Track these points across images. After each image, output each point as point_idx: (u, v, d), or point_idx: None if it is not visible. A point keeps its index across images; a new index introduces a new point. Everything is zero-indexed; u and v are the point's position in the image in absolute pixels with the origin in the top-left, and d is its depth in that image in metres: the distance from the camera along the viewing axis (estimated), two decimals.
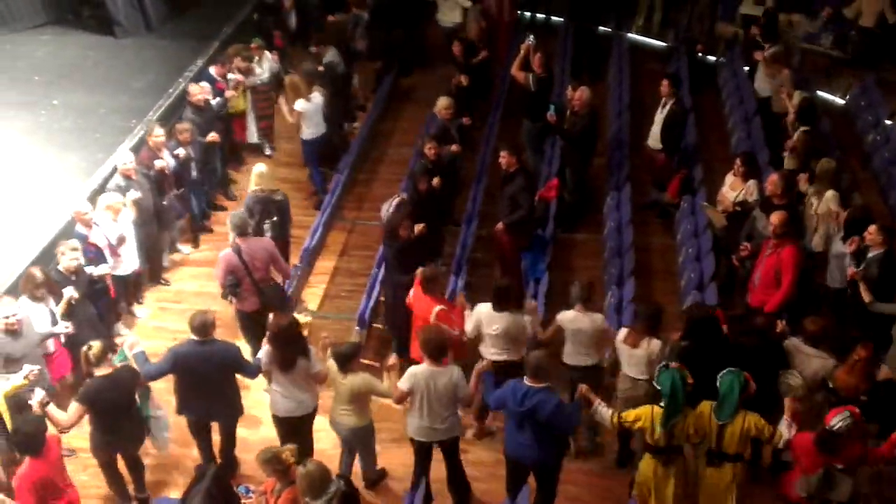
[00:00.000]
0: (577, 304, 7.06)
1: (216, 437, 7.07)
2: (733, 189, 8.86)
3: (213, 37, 12.62)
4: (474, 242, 9.48)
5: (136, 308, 8.90)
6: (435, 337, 6.42)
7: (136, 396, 6.66)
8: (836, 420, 5.76)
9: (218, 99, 10.01)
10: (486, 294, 8.79)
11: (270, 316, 6.79)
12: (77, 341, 7.09)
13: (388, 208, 8.86)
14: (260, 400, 7.57)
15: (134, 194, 8.36)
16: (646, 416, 6.01)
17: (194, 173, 9.45)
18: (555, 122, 9.82)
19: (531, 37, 10.31)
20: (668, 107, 9.90)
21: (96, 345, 6.45)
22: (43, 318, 7.03)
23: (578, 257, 9.82)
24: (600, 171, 10.72)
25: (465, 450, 7.24)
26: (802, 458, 5.95)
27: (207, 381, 6.63)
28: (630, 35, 14.19)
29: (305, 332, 7.32)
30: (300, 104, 10.01)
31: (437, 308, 7.08)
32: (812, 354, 6.61)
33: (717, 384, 5.96)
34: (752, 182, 8.76)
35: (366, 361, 8.02)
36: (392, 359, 6.83)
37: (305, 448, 6.53)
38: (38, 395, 6.22)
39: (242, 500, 6.50)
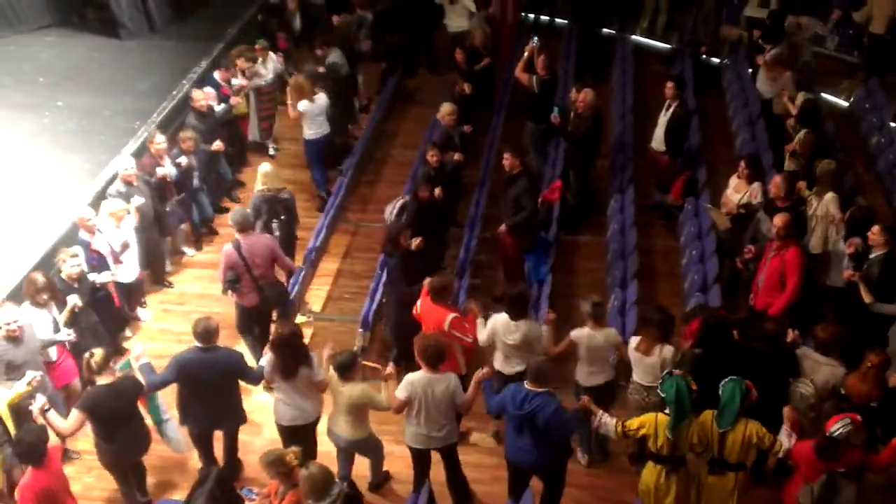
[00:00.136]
0: (589, 321, 6.95)
1: (218, 443, 7.06)
2: (737, 191, 8.84)
3: (218, 38, 12.63)
4: (478, 245, 9.47)
5: (139, 311, 8.90)
6: (432, 344, 6.39)
7: (146, 402, 6.67)
8: (837, 427, 5.73)
9: (222, 105, 10.01)
10: (489, 295, 8.96)
11: (273, 324, 6.78)
12: (80, 349, 7.10)
13: (391, 210, 8.87)
14: (262, 403, 7.58)
15: (138, 200, 8.37)
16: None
17: (196, 181, 9.44)
18: (558, 124, 9.81)
19: (535, 39, 10.30)
20: (671, 109, 9.88)
21: (98, 353, 6.47)
22: (45, 325, 7.01)
23: (581, 259, 9.81)
24: (604, 174, 10.71)
25: (468, 452, 7.25)
26: (803, 467, 5.93)
27: (211, 388, 6.62)
28: (634, 37, 14.18)
29: (307, 335, 7.34)
30: (303, 104, 10.03)
31: (452, 316, 7.02)
32: (822, 362, 6.58)
33: (720, 392, 5.94)
34: (756, 184, 8.75)
35: (369, 364, 8.04)
36: (390, 368, 6.81)
37: (309, 453, 6.53)
38: (39, 402, 6.22)
39: (246, 503, 6.50)
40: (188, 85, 11.23)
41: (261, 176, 8.74)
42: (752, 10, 12.95)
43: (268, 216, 8.63)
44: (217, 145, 9.56)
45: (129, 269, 8.27)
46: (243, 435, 7.14)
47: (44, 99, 11.12)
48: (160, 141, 8.98)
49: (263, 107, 11.11)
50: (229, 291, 7.89)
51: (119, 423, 6.41)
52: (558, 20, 14.60)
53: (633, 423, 6.08)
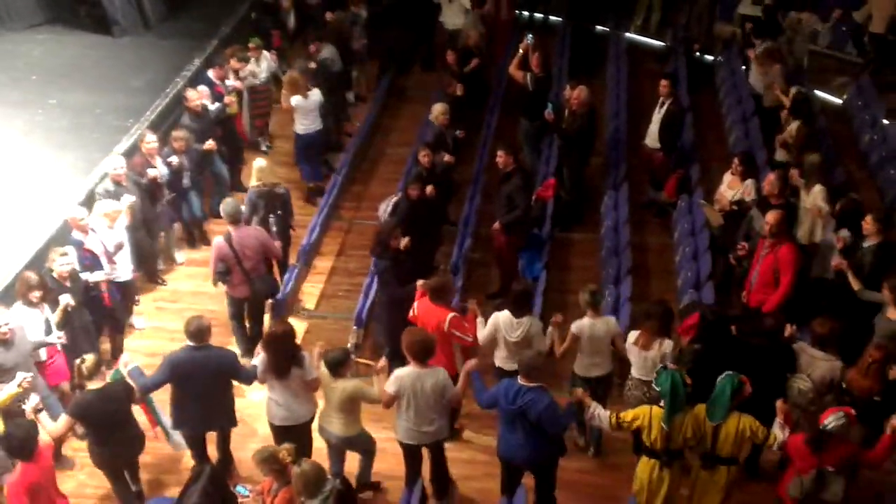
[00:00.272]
0: (588, 310, 6.97)
1: (211, 443, 7.05)
2: (731, 188, 8.86)
3: (212, 36, 12.59)
4: (472, 243, 9.47)
5: (135, 319, 8.79)
6: (420, 339, 6.39)
7: (146, 406, 6.67)
8: (830, 420, 5.76)
9: (217, 104, 9.99)
10: (484, 293, 8.97)
11: (266, 318, 6.76)
12: (73, 349, 7.07)
13: (385, 208, 8.88)
14: (257, 401, 7.56)
15: (129, 198, 8.34)
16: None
17: (187, 181, 9.38)
18: (552, 121, 9.81)
19: (530, 36, 10.30)
20: (665, 106, 9.90)
21: (90, 358, 6.46)
22: (37, 326, 6.97)
23: (575, 256, 9.82)
24: (598, 171, 10.72)
25: (460, 449, 7.27)
26: (796, 459, 5.94)
27: (204, 387, 6.59)
28: (628, 35, 14.19)
29: (301, 333, 7.33)
30: (295, 99, 10.05)
31: (451, 315, 7.02)
32: (819, 357, 6.60)
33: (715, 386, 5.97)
34: (749, 181, 8.77)
35: (362, 361, 8.04)
36: (382, 361, 6.81)
37: (304, 453, 6.51)
38: (33, 401, 6.22)
39: (239, 500, 6.49)
40: (182, 83, 11.20)
41: (255, 171, 8.75)
42: (745, 8, 12.96)
43: (265, 211, 8.63)
44: (209, 144, 9.52)
45: (122, 269, 8.23)
46: (237, 433, 7.12)
47: (36, 96, 11.07)
48: (151, 140, 8.94)
49: (258, 105, 11.09)
50: (220, 283, 7.91)
51: (111, 427, 6.40)
52: (553, 18, 14.62)
53: (628, 415, 6.09)
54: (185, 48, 12.21)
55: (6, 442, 6.00)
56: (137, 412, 6.64)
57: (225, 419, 6.91)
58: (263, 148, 11.37)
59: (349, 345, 8.29)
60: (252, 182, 8.80)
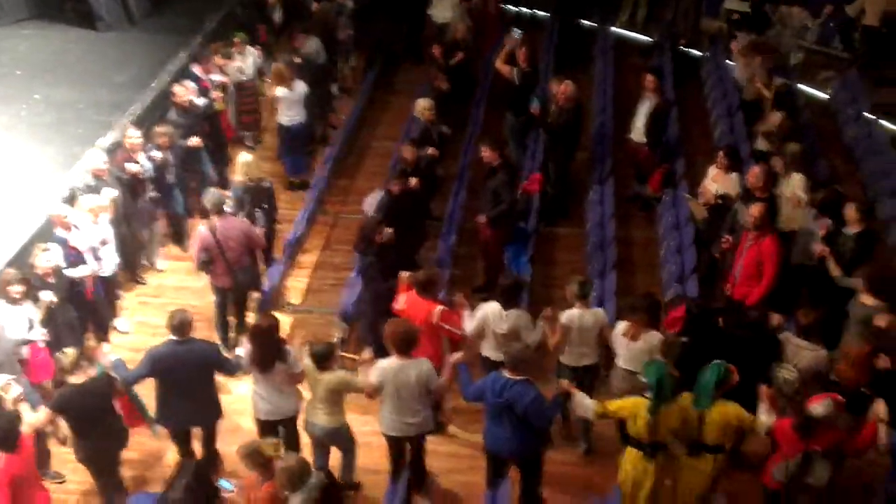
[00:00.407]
0: (577, 302, 6.99)
1: (196, 439, 7.03)
2: (715, 182, 8.88)
3: (197, 31, 12.56)
4: (457, 236, 9.47)
5: (116, 321, 8.68)
6: (402, 330, 6.40)
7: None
8: (818, 406, 5.80)
9: (203, 100, 9.94)
10: (470, 286, 8.97)
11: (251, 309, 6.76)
12: (57, 346, 7.02)
13: (371, 202, 8.86)
14: (242, 395, 7.54)
15: (111, 192, 8.29)
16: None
17: (171, 178, 9.30)
18: (538, 116, 9.80)
19: (516, 31, 10.29)
20: (651, 101, 9.92)
21: (70, 352, 6.42)
22: (19, 324, 6.92)
23: (561, 251, 9.83)
24: (583, 165, 10.72)
25: (445, 443, 7.27)
26: (783, 444, 5.98)
27: (187, 381, 6.58)
28: (614, 30, 14.21)
29: (286, 327, 7.32)
30: (280, 91, 10.06)
31: (440, 308, 7.02)
32: (804, 347, 6.64)
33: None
34: (734, 175, 8.80)
35: (347, 356, 8.03)
36: (367, 353, 6.80)
37: (291, 448, 6.53)
38: (15, 392, 6.18)
39: (223, 495, 6.48)
40: (167, 77, 11.15)
41: (241, 166, 8.74)
42: (732, 3, 13.01)
43: (251, 206, 8.61)
44: (194, 141, 9.45)
45: (107, 263, 8.18)
46: (221, 428, 7.09)
47: (20, 91, 11.02)
48: (133, 136, 8.88)
49: (245, 101, 11.05)
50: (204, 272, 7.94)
51: (93, 421, 6.37)
52: (539, 12, 14.62)
53: (613, 404, 6.11)
54: (170, 43, 12.17)
55: None
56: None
57: (209, 413, 6.89)
58: (249, 143, 11.33)
59: (335, 339, 8.28)
60: (237, 177, 8.78)
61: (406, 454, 6.77)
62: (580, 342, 7.01)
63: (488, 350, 7.16)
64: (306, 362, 6.55)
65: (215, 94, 10.17)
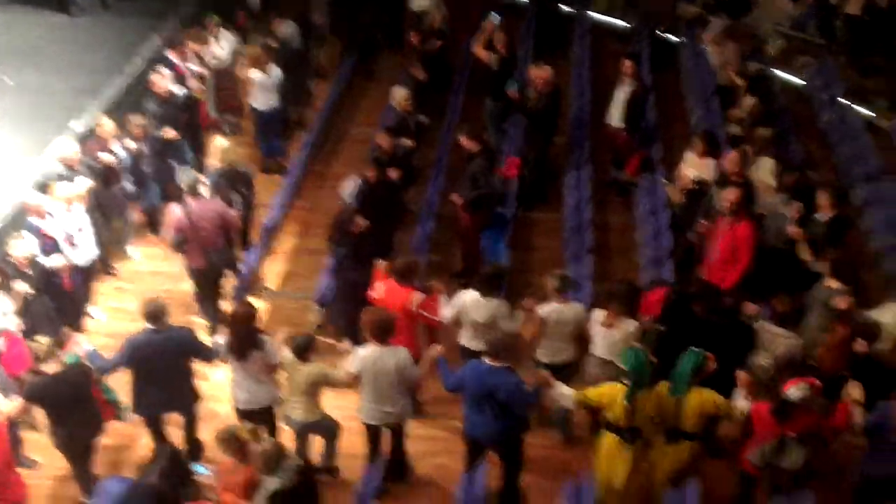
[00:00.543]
0: (555, 296, 6.96)
1: (175, 429, 6.98)
2: (692, 167, 8.92)
3: (171, 15, 12.42)
4: (435, 222, 9.45)
5: (92, 310, 8.58)
6: (379, 318, 6.39)
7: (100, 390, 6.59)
8: (794, 390, 5.85)
9: (183, 89, 9.81)
10: (448, 273, 8.97)
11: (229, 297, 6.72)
12: (33, 336, 6.94)
13: (348, 189, 8.82)
14: (219, 382, 7.50)
15: (85, 181, 8.20)
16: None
17: (147, 169, 9.20)
18: (517, 100, 9.79)
19: (495, 16, 10.27)
20: (629, 86, 9.93)
21: (44, 341, 6.37)
22: None
23: (538, 236, 9.85)
24: (561, 150, 10.73)
25: (421, 426, 7.26)
26: (759, 427, 6.03)
27: (164, 369, 6.54)
28: (592, 15, 14.20)
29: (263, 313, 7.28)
30: (256, 74, 10.04)
31: (418, 296, 7.02)
32: (780, 334, 6.70)
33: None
34: (710, 160, 8.84)
35: (327, 340, 8.01)
36: (346, 344, 6.78)
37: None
38: None
39: (199, 479, 6.46)
40: (141, 62, 11.03)
41: (218, 152, 8.70)
42: None
43: (228, 190, 8.55)
44: (170, 132, 9.27)
45: (83, 252, 8.09)
46: (200, 413, 7.06)
47: None
48: (107, 125, 8.76)
49: (226, 86, 10.94)
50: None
51: (68, 410, 6.33)
52: None
53: (592, 392, 6.13)
54: (144, 27, 12.05)
55: None
56: None
57: (187, 400, 6.85)
58: (225, 129, 11.23)
59: (312, 324, 8.27)
60: (214, 162, 8.74)
61: (382, 441, 6.76)
62: (558, 337, 6.98)
63: (466, 339, 7.14)
64: (286, 354, 6.53)
65: (193, 83, 10.06)
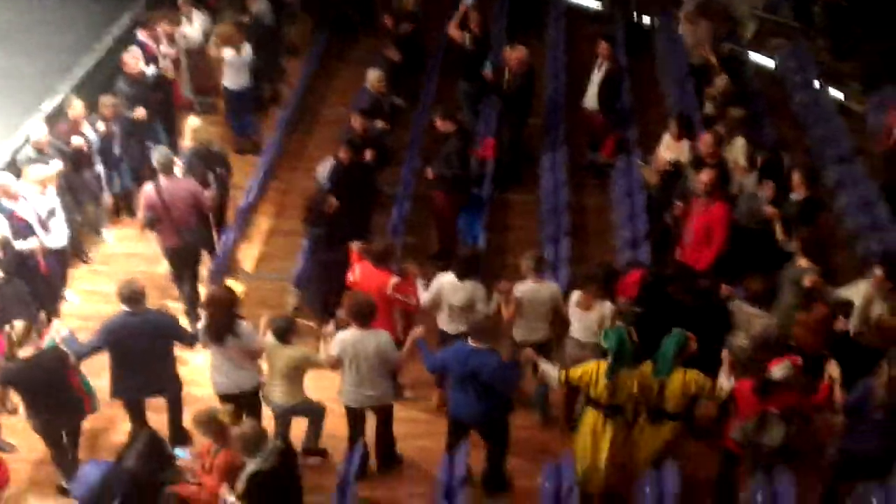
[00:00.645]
0: (531, 275, 7.00)
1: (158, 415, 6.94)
2: (668, 149, 8.98)
3: None
4: (411, 204, 9.43)
5: (65, 292, 8.46)
6: (361, 301, 6.39)
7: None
8: (777, 369, 5.94)
9: (153, 68, 9.67)
10: (424, 254, 8.96)
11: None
12: (7, 320, 6.83)
13: (323, 171, 8.77)
14: (199, 366, 7.43)
15: (58, 164, 8.06)
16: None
17: (118, 151, 9.05)
18: (491, 81, 9.76)
19: None
20: (604, 68, 9.95)
21: (18, 325, 6.29)
22: None
23: (514, 217, 9.87)
24: (536, 132, 10.73)
25: (402, 408, 7.25)
26: (742, 405, 6.12)
27: (142, 353, 6.48)
28: None
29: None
30: (227, 53, 9.96)
31: (394, 279, 7.02)
32: (754, 314, 6.78)
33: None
34: (686, 142, 8.89)
35: (305, 322, 7.97)
36: (329, 326, 6.77)
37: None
38: None
39: (178, 462, 6.42)
40: (111, 41, 10.84)
41: (190, 131, 8.59)
42: None
43: (203, 170, 8.46)
44: (140, 112, 9.15)
45: (56, 235, 7.95)
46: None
47: None
48: (77, 107, 8.60)
49: (200, 67, 10.78)
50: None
51: (45, 394, 6.26)
52: None
53: (576, 371, 6.19)
54: (114, 7, 11.81)
55: None
56: None
57: (168, 384, 6.79)
58: (197, 109, 11.08)
59: (289, 306, 8.24)
60: (186, 142, 8.63)
61: (364, 424, 6.76)
62: (533, 317, 7.01)
63: (443, 323, 7.15)
64: (267, 337, 6.50)
65: (165, 63, 9.91)
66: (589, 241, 9.43)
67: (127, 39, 10.20)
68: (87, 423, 6.99)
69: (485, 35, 10.45)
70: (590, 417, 6.22)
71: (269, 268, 9.12)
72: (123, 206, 9.54)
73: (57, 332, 6.48)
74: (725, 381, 6.10)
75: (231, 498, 5.68)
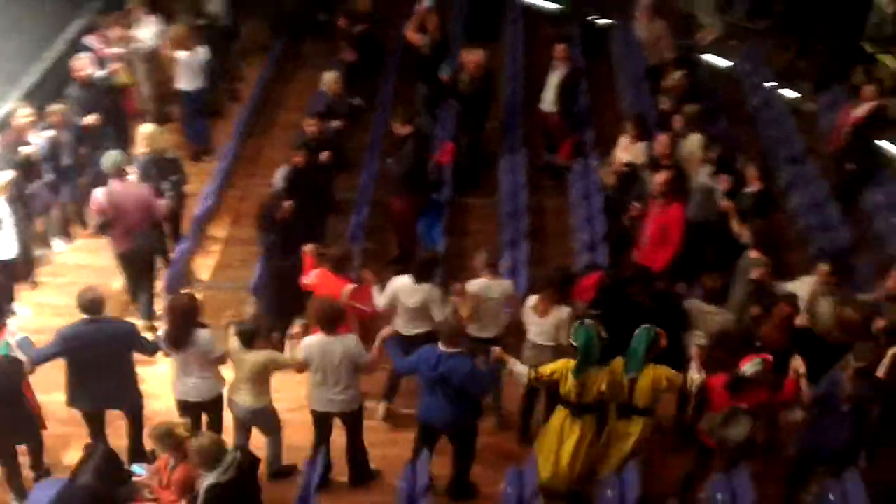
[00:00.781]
0: (484, 272, 7.02)
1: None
2: (625, 151, 9.04)
3: None
4: (370, 209, 9.37)
5: (14, 305, 8.26)
6: (327, 307, 6.37)
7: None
8: (749, 366, 6.03)
9: (100, 72, 9.49)
10: (384, 260, 8.92)
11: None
12: None
13: (280, 175, 8.69)
14: (160, 377, 7.30)
15: (7, 173, 7.88)
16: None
17: (67, 159, 8.81)
18: (449, 84, 9.76)
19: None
20: (561, 70, 9.99)
21: None
22: None
23: (473, 221, 9.87)
24: (494, 135, 10.74)
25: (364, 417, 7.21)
26: (714, 398, 6.22)
27: (100, 362, 6.36)
28: None
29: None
30: (181, 55, 9.85)
31: (349, 286, 6.99)
32: (711, 312, 6.88)
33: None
34: (642, 143, 8.97)
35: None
36: (296, 328, 6.72)
37: (215, 430, 6.43)
38: None
39: (134, 478, 6.31)
40: (61, 47, 10.62)
41: (143, 138, 8.47)
42: None
43: (158, 178, 8.34)
44: (91, 118, 8.97)
45: (6, 246, 7.78)
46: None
47: None
48: (24, 114, 8.39)
49: (157, 72, 10.60)
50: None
51: (2, 405, 6.11)
52: None
53: (546, 368, 6.22)
54: (64, 11, 11.56)
55: None
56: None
57: (129, 395, 6.66)
58: (148, 117, 10.85)
59: (246, 315, 8.14)
60: (141, 149, 8.50)
61: (330, 431, 6.70)
62: (483, 314, 7.03)
63: (400, 325, 7.12)
64: (231, 342, 6.43)
65: (114, 66, 9.73)
66: (548, 243, 9.46)
67: (78, 45, 9.99)
68: (44, 441, 6.85)
69: (443, 38, 10.43)
70: (557, 417, 6.25)
71: (227, 277, 9.02)
72: (74, 217, 9.35)
73: (12, 334, 6.34)
74: (696, 375, 6.18)
75: None
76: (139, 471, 6.53)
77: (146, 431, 6.30)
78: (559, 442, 6.25)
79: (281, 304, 7.78)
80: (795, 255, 8.88)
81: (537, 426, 7.00)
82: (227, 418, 6.69)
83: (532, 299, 6.98)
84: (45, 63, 10.48)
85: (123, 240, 7.81)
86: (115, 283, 8.30)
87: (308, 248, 7.31)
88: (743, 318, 7.11)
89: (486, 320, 7.06)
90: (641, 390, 6.12)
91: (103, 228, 7.74)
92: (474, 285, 7.01)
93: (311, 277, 7.15)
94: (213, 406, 6.59)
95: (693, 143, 8.71)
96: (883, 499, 6.13)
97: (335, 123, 9.34)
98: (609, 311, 6.84)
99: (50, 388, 6.62)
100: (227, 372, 6.63)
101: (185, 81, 10.06)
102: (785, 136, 10.57)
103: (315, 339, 6.36)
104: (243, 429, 6.72)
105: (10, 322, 6.75)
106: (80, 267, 8.87)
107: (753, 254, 7.30)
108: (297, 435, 6.90)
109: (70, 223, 9.35)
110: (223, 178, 9.86)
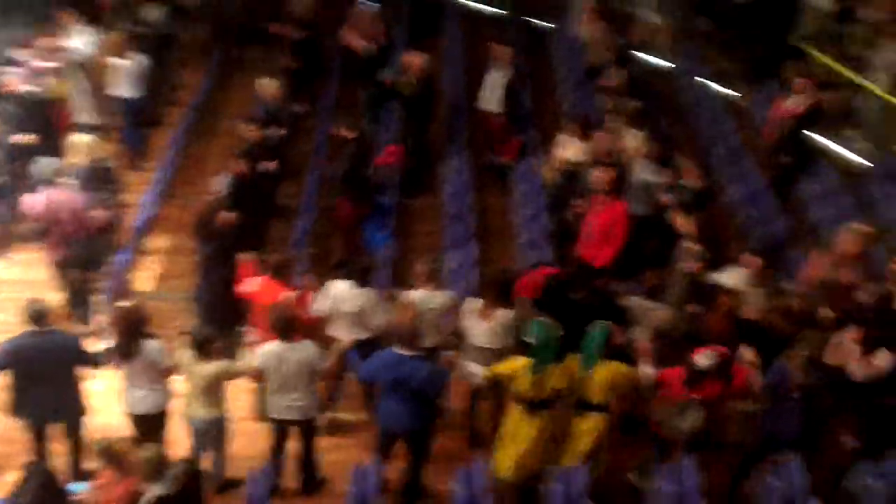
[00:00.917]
0: (424, 282, 7.00)
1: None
2: (565, 148, 9.13)
3: (22, 10, 11.62)
4: (314, 214, 9.31)
5: None
6: (282, 314, 6.32)
7: None
8: (701, 358, 6.10)
9: (30, 87, 9.24)
10: (327, 265, 8.86)
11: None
12: None
13: (224, 184, 8.59)
14: (103, 391, 7.08)
15: None
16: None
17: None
18: (391, 87, 9.76)
19: (369, 3, 10.19)
20: (503, 71, 10.04)
21: None
22: None
23: (418, 223, 9.88)
24: (437, 136, 10.76)
25: None
26: (668, 390, 6.28)
27: (46, 373, 6.24)
28: (465, 1, 14.28)
29: None
30: (116, 62, 9.77)
31: (288, 294, 6.92)
32: (651, 307, 6.97)
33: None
34: (583, 142, 9.06)
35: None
36: (251, 336, 6.65)
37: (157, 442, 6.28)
38: None
39: (75, 497, 6.16)
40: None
41: (81, 148, 8.35)
42: None
43: (92, 188, 8.17)
44: (26, 137, 8.80)
45: None
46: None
47: None
48: None
49: (96, 83, 10.38)
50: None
51: None
52: None
53: (501, 367, 6.25)
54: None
55: None
56: None
57: (72, 408, 6.52)
58: (88, 124, 10.65)
59: (190, 325, 8.02)
60: (75, 160, 8.33)
61: (286, 439, 6.63)
62: (425, 324, 6.92)
63: (339, 330, 7.08)
64: (183, 353, 6.34)
65: (49, 80, 9.51)
66: (492, 243, 9.48)
67: (8, 59, 9.74)
68: None
69: (385, 41, 10.43)
70: (514, 411, 6.26)
71: (169, 287, 8.89)
72: (10, 232, 9.12)
73: None
74: (648, 369, 6.24)
75: None
76: (80, 489, 6.40)
77: (88, 446, 6.16)
78: (513, 438, 6.27)
79: (223, 314, 7.67)
80: (734, 248, 9.03)
81: (483, 426, 7.03)
82: (175, 431, 6.59)
83: (473, 303, 6.98)
84: None
85: (58, 248, 7.73)
86: (51, 297, 8.09)
87: (244, 257, 7.24)
88: (682, 312, 7.19)
89: (426, 330, 6.94)
90: (597, 385, 6.16)
91: (39, 236, 7.65)
92: (414, 296, 6.98)
93: (251, 285, 7.07)
94: (160, 418, 6.49)
95: (633, 137, 8.82)
96: (827, 483, 6.25)
97: (277, 131, 9.24)
98: (551, 310, 6.84)
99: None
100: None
101: (124, 89, 9.91)
102: (721, 133, 10.76)
103: (271, 346, 6.30)
104: (198, 441, 6.60)
105: None
106: (15, 282, 8.63)
107: (689, 245, 7.40)
108: (241, 445, 6.80)
109: (6, 240, 9.11)
110: (163, 188, 9.70)
